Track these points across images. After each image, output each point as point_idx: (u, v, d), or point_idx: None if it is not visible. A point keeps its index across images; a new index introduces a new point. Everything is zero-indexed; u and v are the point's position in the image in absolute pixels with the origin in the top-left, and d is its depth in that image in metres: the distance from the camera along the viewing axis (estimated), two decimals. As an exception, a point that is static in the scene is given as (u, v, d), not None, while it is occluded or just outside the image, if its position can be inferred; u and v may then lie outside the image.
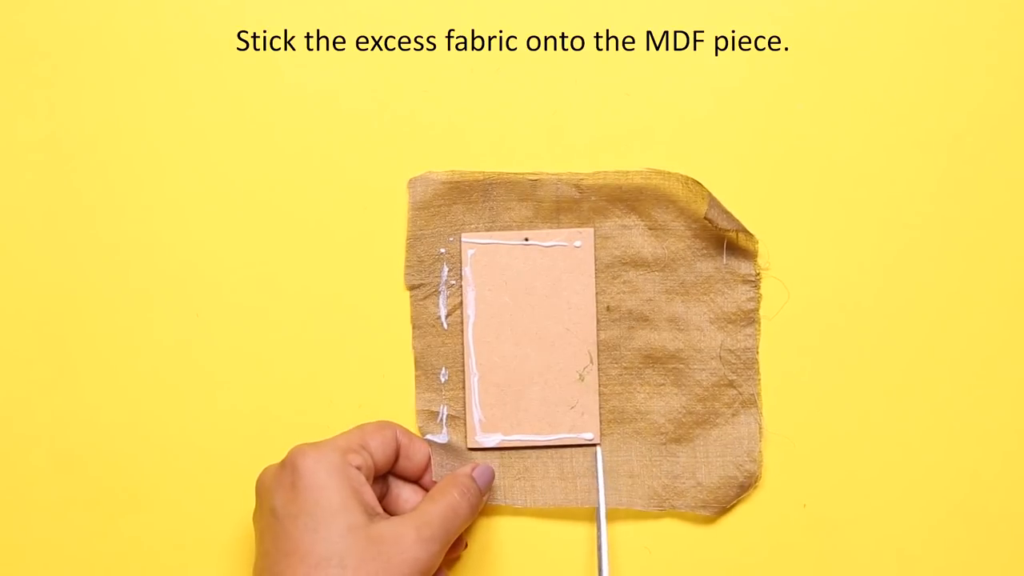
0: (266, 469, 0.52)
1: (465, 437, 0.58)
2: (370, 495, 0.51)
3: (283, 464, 0.51)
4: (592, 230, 0.59)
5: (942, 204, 0.60)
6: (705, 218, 0.58)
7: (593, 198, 0.59)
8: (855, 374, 0.59)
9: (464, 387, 0.58)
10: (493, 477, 0.57)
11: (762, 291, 0.59)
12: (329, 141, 0.60)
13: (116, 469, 0.59)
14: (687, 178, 0.58)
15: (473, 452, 0.58)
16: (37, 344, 0.59)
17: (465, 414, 0.58)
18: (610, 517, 0.58)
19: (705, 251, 0.59)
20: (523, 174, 0.59)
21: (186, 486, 0.59)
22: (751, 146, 0.60)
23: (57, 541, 0.58)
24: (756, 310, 0.59)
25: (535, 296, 0.59)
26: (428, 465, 0.56)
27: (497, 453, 0.58)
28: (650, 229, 0.59)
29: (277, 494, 0.50)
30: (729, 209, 0.58)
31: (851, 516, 0.59)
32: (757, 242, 0.59)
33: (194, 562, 0.58)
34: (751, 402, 0.58)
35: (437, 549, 0.51)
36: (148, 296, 0.59)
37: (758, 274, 0.59)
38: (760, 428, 0.58)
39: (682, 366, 0.58)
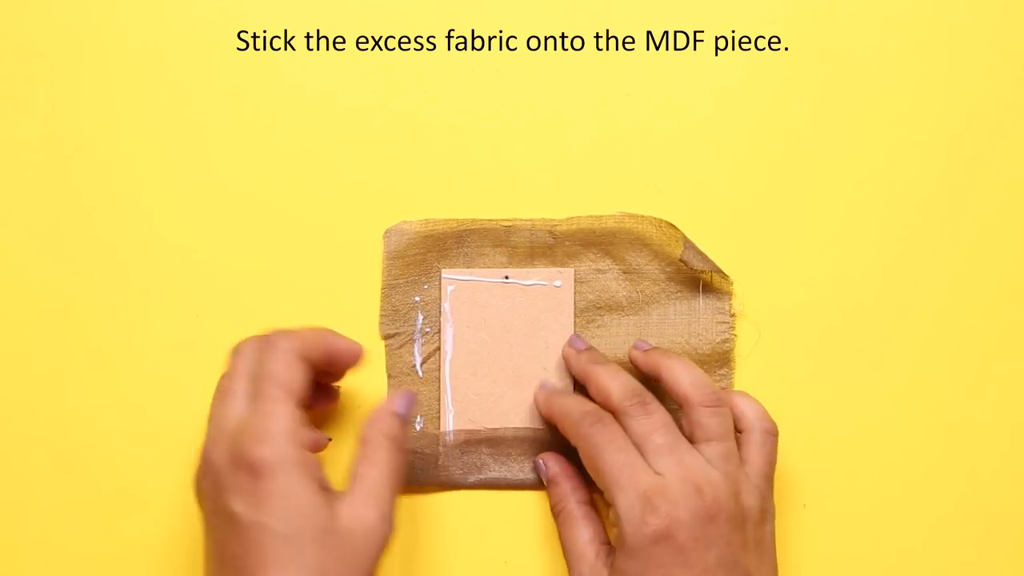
0: (207, 460, 0.50)
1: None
2: (321, 471, 0.49)
3: (236, 463, 0.48)
4: (572, 271, 0.59)
5: (941, 204, 0.60)
6: (680, 260, 0.58)
7: (567, 243, 0.59)
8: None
9: (438, 428, 0.58)
10: (414, 402, 0.55)
11: (738, 330, 0.59)
12: (329, 141, 0.60)
13: (116, 469, 0.59)
14: (660, 221, 0.58)
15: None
16: (37, 344, 0.59)
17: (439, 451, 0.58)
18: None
19: (680, 293, 0.59)
20: (496, 220, 0.59)
21: (186, 486, 0.58)
22: (751, 146, 0.60)
23: (57, 541, 0.58)
24: (731, 351, 0.59)
25: (513, 335, 0.59)
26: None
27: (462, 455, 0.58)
28: (624, 273, 0.59)
29: (236, 498, 0.48)
30: (725, 209, 0.58)
31: (851, 516, 0.59)
32: (732, 283, 0.59)
33: (194, 562, 0.58)
34: None
35: (393, 513, 0.50)
36: (148, 296, 0.59)
37: (733, 315, 0.59)
38: None
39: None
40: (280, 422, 0.49)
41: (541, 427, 0.58)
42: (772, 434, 0.54)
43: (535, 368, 0.59)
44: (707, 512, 0.50)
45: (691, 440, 0.53)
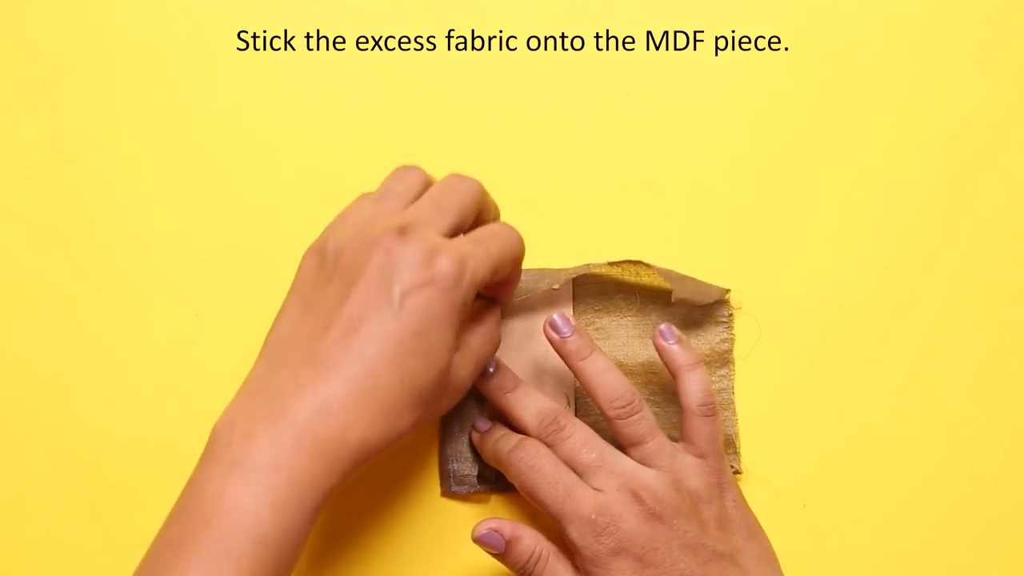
0: (343, 222, 0.50)
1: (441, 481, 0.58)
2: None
3: (385, 230, 0.48)
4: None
5: (940, 204, 0.60)
6: (675, 303, 0.58)
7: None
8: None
9: (441, 430, 0.58)
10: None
11: (737, 331, 0.59)
12: (329, 141, 0.60)
13: (116, 469, 0.58)
14: (645, 268, 0.58)
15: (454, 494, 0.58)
16: (37, 344, 0.59)
17: (440, 461, 0.58)
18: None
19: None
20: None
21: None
22: (751, 146, 0.60)
23: (57, 541, 0.58)
24: (730, 351, 0.59)
25: (513, 338, 0.58)
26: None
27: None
28: (621, 277, 0.59)
29: (376, 253, 0.47)
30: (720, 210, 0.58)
31: (851, 516, 0.59)
32: (729, 291, 0.59)
33: (194, 562, 0.58)
34: (729, 443, 0.58)
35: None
36: (148, 296, 0.59)
37: (731, 315, 0.59)
38: (739, 469, 0.58)
39: (657, 410, 0.58)
40: (433, 223, 0.49)
41: None
42: (710, 414, 0.54)
43: (536, 371, 0.58)
44: (651, 513, 0.51)
45: (622, 447, 0.54)
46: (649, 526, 0.51)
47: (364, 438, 0.46)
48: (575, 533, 0.52)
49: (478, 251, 0.49)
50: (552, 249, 0.59)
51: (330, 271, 0.49)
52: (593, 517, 0.51)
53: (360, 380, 0.46)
